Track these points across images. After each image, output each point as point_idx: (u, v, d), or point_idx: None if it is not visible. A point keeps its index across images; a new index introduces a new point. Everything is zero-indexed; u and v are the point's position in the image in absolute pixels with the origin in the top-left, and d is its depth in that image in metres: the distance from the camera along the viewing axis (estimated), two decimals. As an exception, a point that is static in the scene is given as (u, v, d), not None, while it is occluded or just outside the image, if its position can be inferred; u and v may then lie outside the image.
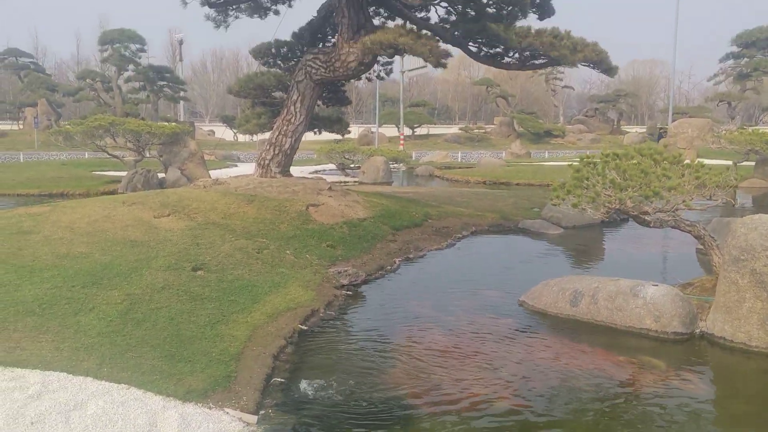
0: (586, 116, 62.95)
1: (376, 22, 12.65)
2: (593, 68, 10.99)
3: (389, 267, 9.37)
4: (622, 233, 12.77)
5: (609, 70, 10.93)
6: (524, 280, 8.43)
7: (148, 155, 20.06)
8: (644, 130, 58.66)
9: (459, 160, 34.04)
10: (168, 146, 19.72)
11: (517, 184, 21.58)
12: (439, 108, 78.06)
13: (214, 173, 19.41)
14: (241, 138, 42.89)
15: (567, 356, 6.00)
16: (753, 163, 23.05)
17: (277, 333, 6.13)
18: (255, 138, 32.20)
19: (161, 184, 18.15)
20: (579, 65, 10.68)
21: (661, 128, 34.25)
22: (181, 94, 46.59)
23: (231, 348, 5.52)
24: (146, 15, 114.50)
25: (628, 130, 62.70)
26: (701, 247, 8.18)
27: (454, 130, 58.11)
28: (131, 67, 42.96)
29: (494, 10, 9.95)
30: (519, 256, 10.88)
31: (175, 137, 19.72)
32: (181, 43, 54.27)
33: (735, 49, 31.74)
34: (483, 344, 6.30)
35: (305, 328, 6.55)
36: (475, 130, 53.70)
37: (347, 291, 8.10)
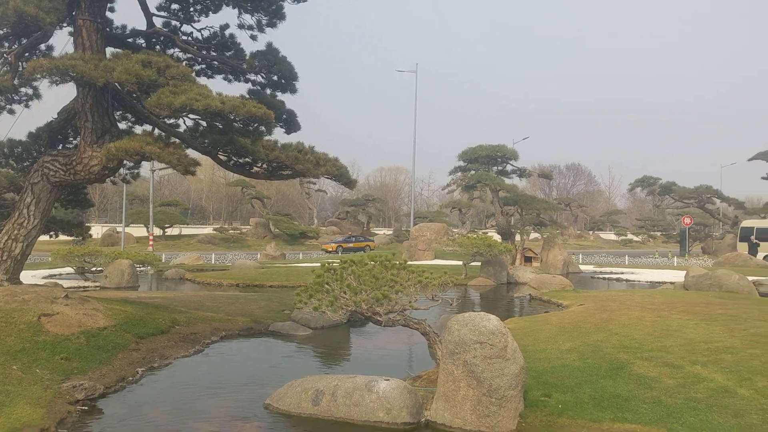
0: (339, 218, 66.56)
1: (123, 126, 12.57)
2: (335, 181, 12.03)
3: (131, 378, 9.01)
4: (367, 331, 13.65)
5: (349, 183, 12.05)
6: (271, 382, 8.67)
7: None
8: (391, 232, 63.44)
9: (213, 262, 33.67)
10: None
11: (271, 286, 21.96)
12: (193, 208, 76.90)
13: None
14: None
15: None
16: (479, 264, 25.98)
17: (-1, 460, 5.61)
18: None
19: None
20: (322, 177, 11.63)
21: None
22: None
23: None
24: None
25: (377, 231, 67.34)
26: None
27: (208, 230, 57.55)
28: None
29: (241, 125, 10.56)
30: (267, 359, 11.12)
31: None
32: None
33: (462, 163, 36.18)
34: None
35: (33, 451, 6.06)
36: (230, 231, 53.74)
37: (83, 406, 7.64)
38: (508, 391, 6.96)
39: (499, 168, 34.87)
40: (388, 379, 7.46)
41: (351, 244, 48.49)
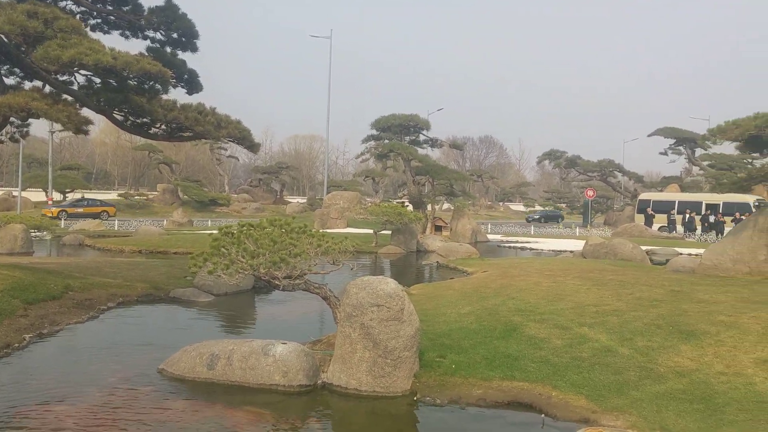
0: (251, 186, 65.44)
1: (11, 81, 11.77)
2: (238, 144, 11.74)
3: (17, 344, 8.59)
4: (273, 298, 13.53)
5: (252, 146, 11.78)
6: (167, 348, 8.46)
7: None
8: (305, 200, 63.01)
9: (116, 228, 32.42)
10: None
11: (175, 253, 21.38)
12: (97, 172, 73.72)
13: None
14: None
15: (202, 416, 6.22)
16: (390, 232, 26.17)
17: None
18: None
19: None
20: (224, 140, 11.32)
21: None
22: None
23: None
24: None
25: (290, 200, 66.71)
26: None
27: (112, 196, 55.29)
28: None
29: (136, 82, 10.09)
30: (165, 325, 10.85)
31: None
32: None
33: (375, 132, 36.21)
34: (119, 414, 6.19)
35: None
36: (136, 197, 51.89)
37: (-39, 375, 7.23)
38: (403, 352, 7.08)
39: (412, 138, 35.15)
40: (285, 343, 7.43)
41: (81, 209, 41.35)
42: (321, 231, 8.47)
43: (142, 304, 12.15)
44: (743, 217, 27.85)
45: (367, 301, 7.15)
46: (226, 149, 67.16)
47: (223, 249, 7.80)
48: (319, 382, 7.28)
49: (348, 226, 37.12)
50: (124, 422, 6.06)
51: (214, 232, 8.29)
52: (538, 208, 77.30)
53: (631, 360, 7.44)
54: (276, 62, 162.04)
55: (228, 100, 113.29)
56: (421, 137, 35.51)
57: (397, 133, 35.61)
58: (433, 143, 36.85)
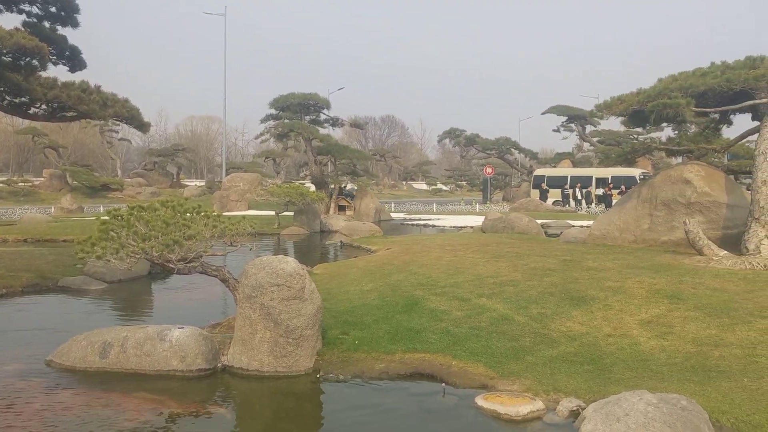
0: (146, 170, 62.84)
1: None
2: (127, 124, 11.19)
3: None
4: (171, 283, 13.09)
5: (141, 126, 11.27)
6: (55, 339, 7.99)
7: None
8: (203, 183, 61.29)
9: (-1, 217, 30.38)
10: None
11: (65, 241, 20.22)
12: (-25, 159, 68.69)
13: None
14: None
15: (97, 405, 5.94)
16: (293, 213, 25.92)
17: None
18: None
19: None
20: (112, 120, 10.75)
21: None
22: None
23: None
24: None
25: (188, 183, 64.66)
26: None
27: (-6, 183, 51.71)
28: None
29: (11, 58, 9.37)
30: (53, 316, 10.26)
31: None
32: None
33: (274, 111, 35.54)
34: (2, 409, 5.81)
35: None
36: (20, 184, 48.77)
37: None
38: (305, 330, 7.02)
39: (313, 117, 34.79)
40: (182, 327, 7.20)
41: None
42: (218, 213, 8.22)
43: (28, 295, 11.45)
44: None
45: (266, 281, 7.02)
46: (117, 132, 64.21)
47: (112, 233, 7.43)
48: (220, 365, 7.11)
49: (249, 208, 36.48)
50: (13, 416, 5.68)
51: (106, 217, 7.88)
52: (440, 186, 78.80)
53: (526, 327, 7.72)
54: (170, 40, 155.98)
55: (120, 79, 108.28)
56: (322, 116, 35.21)
57: (297, 112, 35.10)
58: (335, 122, 36.64)
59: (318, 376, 6.86)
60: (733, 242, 11.70)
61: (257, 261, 7.30)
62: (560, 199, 39.24)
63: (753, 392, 5.63)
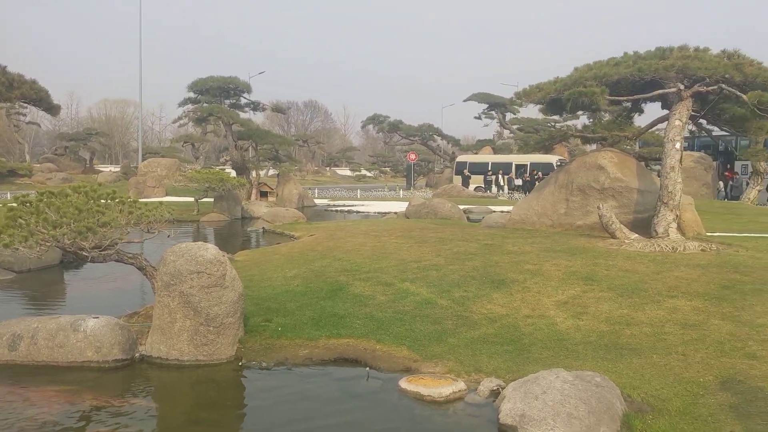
0: (56, 154, 59.97)
1: None
2: (35, 106, 10.64)
3: None
4: (85, 272, 12.59)
5: (51, 108, 10.76)
6: (-43, 333, 7.55)
7: None
8: (119, 168, 59.11)
9: None
10: None
11: (-32, 229, 19.12)
12: None
13: None
14: None
15: (6, 399, 5.66)
16: (212, 199, 25.34)
17: None
18: None
19: None
20: (19, 103, 10.21)
21: None
22: None
23: None
24: None
25: (102, 169, 62.22)
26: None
27: None
28: None
29: None
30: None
31: None
32: None
33: (192, 94, 34.48)
34: None
35: None
36: None
37: None
38: (226, 318, 6.89)
39: (233, 101, 33.98)
40: (97, 317, 6.93)
41: None
42: (135, 199, 7.93)
43: (-74, 288, 10.76)
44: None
45: (186, 268, 6.84)
46: (25, 115, 60.93)
47: (20, 219, 7.05)
48: (137, 355, 6.90)
49: (167, 194, 35.46)
50: None
51: (14, 204, 7.47)
52: (364, 172, 78.82)
53: (448, 310, 7.85)
54: (82, 18, 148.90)
55: (26, 58, 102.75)
56: (243, 101, 34.38)
57: (217, 96, 34.15)
58: (255, 107, 35.88)
59: (240, 363, 6.76)
60: (644, 226, 12.26)
61: (176, 248, 7.10)
62: (482, 185, 40.04)
63: (661, 368, 5.93)
